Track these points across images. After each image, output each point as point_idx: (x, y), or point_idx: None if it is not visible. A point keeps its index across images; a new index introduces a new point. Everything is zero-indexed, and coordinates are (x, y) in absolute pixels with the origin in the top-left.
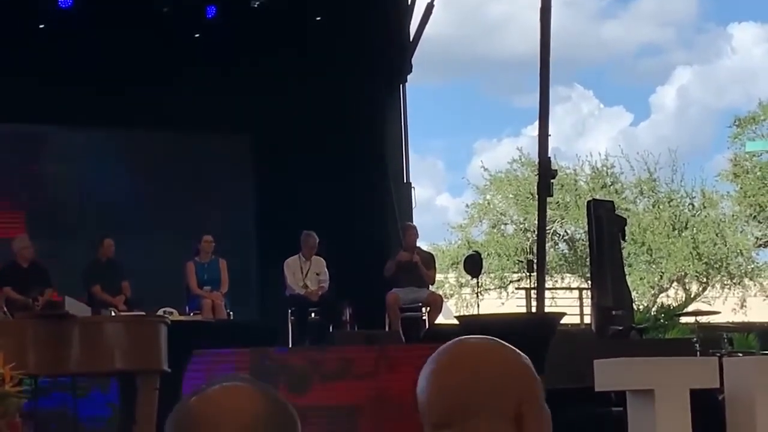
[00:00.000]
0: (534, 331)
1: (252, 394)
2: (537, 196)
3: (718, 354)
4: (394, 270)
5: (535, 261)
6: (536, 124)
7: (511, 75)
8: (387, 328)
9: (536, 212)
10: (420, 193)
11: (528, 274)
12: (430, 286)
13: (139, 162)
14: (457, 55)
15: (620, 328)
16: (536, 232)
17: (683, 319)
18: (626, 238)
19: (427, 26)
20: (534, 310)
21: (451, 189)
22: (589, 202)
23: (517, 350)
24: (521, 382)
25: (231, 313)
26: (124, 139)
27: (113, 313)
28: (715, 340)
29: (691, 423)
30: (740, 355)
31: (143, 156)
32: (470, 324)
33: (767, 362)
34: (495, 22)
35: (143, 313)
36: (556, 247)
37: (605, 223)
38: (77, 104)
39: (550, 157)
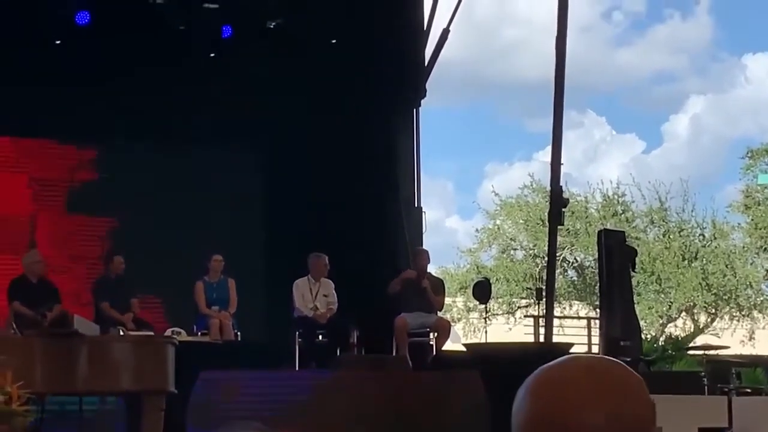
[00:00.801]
0: (543, 360)
1: None
2: (548, 225)
3: (727, 389)
4: (399, 289)
5: (545, 289)
6: (548, 149)
7: (524, 99)
8: (394, 353)
9: (546, 239)
10: (429, 214)
11: (537, 301)
12: (439, 311)
13: (149, 179)
14: (471, 77)
15: (628, 359)
16: (546, 259)
17: (691, 351)
18: (636, 268)
19: (442, 49)
20: (542, 338)
21: (461, 211)
22: (600, 232)
23: (636, 373)
24: (645, 409)
25: (239, 333)
26: (133, 154)
27: (122, 332)
28: (724, 374)
29: None
30: (749, 390)
31: (153, 173)
32: (478, 351)
33: None
34: (509, 45)
35: (151, 333)
36: (565, 274)
37: (616, 254)
38: (88, 119)
39: (561, 186)
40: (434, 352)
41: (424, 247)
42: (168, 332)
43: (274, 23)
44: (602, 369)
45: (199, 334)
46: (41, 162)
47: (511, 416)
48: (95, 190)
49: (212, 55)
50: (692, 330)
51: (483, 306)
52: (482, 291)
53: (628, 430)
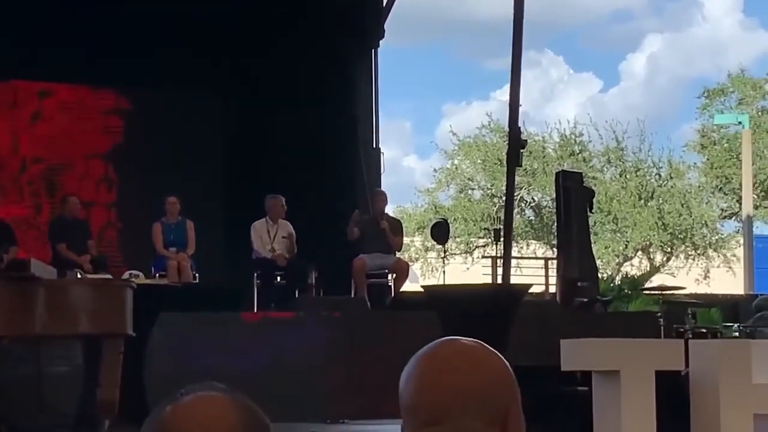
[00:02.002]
0: (500, 302)
1: (227, 405)
2: (506, 166)
3: (683, 329)
4: (358, 234)
5: (502, 230)
6: (505, 88)
7: (482, 38)
8: (353, 294)
9: (504, 178)
10: (387, 154)
11: (495, 242)
12: (397, 252)
13: (107, 119)
14: (428, 16)
15: (585, 299)
16: (504, 199)
17: (647, 291)
18: (593, 209)
19: None
20: (500, 279)
21: (418, 151)
22: (557, 173)
23: (501, 357)
24: (510, 388)
25: (197, 275)
26: (92, 96)
27: (79, 275)
28: (679, 315)
29: (655, 404)
30: (704, 331)
31: (110, 114)
32: (436, 294)
33: (731, 345)
34: None
35: (109, 276)
36: (523, 213)
37: (573, 195)
38: (55, 61)
39: (520, 127)
40: (393, 294)
41: (382, 187)
42: (126, 275)
43: None
44: (474, 352)
45: (157, 275)
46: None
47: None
48: (50, 135)
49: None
50: (648, 269)
51: (441, 246)
52: (440, 232)
53: (503, 407)
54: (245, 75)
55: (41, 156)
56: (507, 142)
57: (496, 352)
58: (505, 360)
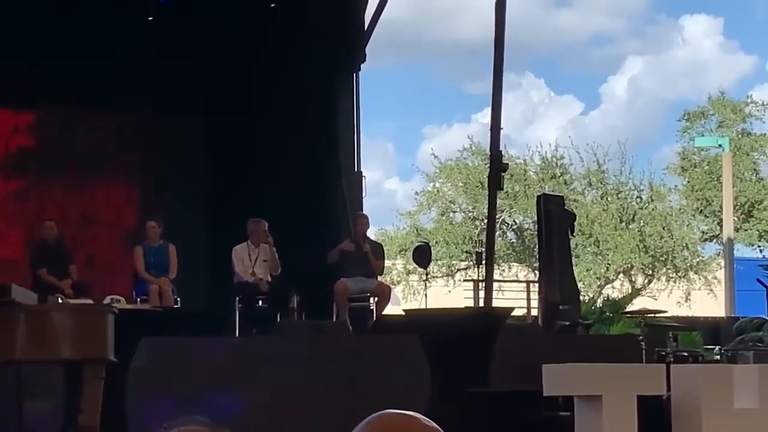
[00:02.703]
0: (481, 326)
1: None
2: (488, 189)
3: (664, 353)
4: (338, 258)
5: (484, 253)
6: (487, 111)
7: (463, 60)
8: (334, 318)
9: (485, 201)
10: (369, 176)
11: (476, 264)
12: (379, 276)
13: (90, 144)
14: (410, 39)
15: (567, 323)
16: (485, 222)
17: (629, 314)
18: (575, 231)
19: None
20: (481, 302)
21: (400, 173)
22: (539, 196)
23: (437, 428)
24: None
25: (178, 299)
26: (75, 119)
27: (60, 300)
28: (661, 338)
29: (637, 428)
30: (686, 354)
31: (94, 138)
32: (417, 317)
33: (713, 370)
34: (449, 7)
35: (91, 301)
36: (504, 236)
37: (555, 218)
38: (26, 84)
39: (501, 151)
40: (374, 317)
41: (364, 210)
42: (107, 300)
43: None
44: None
45: (138, 300)
46: None
47: None
48: (32, 155)
49: (150, 18)
50: (629, 291)
51: (423, 269)
52: (422, 255)
53: None
54: (227, 98)
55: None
56: (488, 165)
57: (432, 424)
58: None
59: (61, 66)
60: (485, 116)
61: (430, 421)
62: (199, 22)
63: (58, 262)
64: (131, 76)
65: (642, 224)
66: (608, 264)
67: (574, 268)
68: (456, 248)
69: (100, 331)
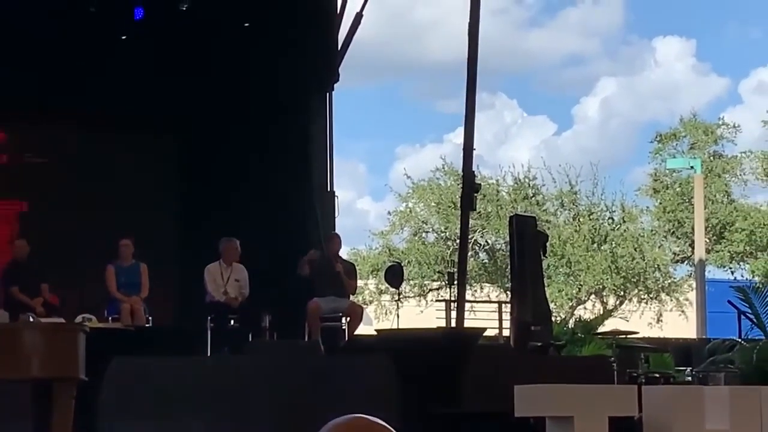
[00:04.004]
0: (453, 346)
1: None
2: (460, 209)
3: (636, 374)
4: (308, 270)
5: (456, 274)
6: (459, 131)
7: (435, 80)
8: (306, 338)
9: (458, 221)
10: (341, 195)
11: (449, 285)
12: (351, 295)
13: (60, 162)
14: (382, 58)
15: (539, 343)
16: (458, 243)
17: (600, 335)
18: (547, 252)
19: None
20: (453, 323)
21: (372, 193)
22: (511, 217)
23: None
24: None
25: (150, 318)
26: (47, 135)
27: (31, 318)
28: (633, 359)
29: None
30: (657, 376)
31: (64, 155)
32: (389, 337)
33: (685, 392)
34: (421, 27)
35: (62, 319)
36: (477, 256)
37: (527, 239)
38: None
39: (474, 171)
40: (346, 337)
41: (336, 228)
42: (79, 318)
43: (185, 5)
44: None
45: (110, 319)
46: None
47: None
48: (3, 173)
49: (123, 37)
50: (601, 312)
51: (395, 289)
52: (394, 276)
53: None
54: (199, 117)
55: None
56: (461, 185)
57: (379, 422)
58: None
59: (31, 81)
60: (458, 136)
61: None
62: (172, 40)
63: (30, 280)
64: (103, 93)
65: (614, 245)
66: (580, 285)
67: (546, 288)
68: (428, 268)
69: (71, 350)
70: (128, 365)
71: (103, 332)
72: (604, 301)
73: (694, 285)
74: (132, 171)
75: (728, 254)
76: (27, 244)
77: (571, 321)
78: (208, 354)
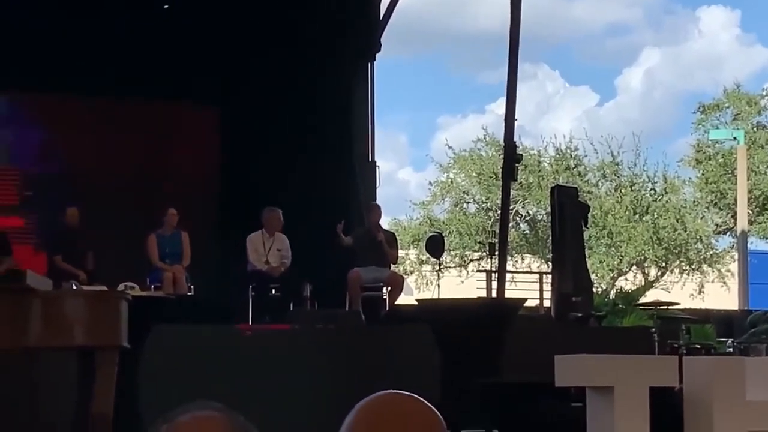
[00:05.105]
0: (493, 317)
1: (223, 424)
2: (501, 180)
3: (677, 345)
4: (349, 242)
5: (497, 244)
6: (501, 101)
7: (477, 50)
8: (347, 307)
9: (499, 192)
10: (382, 166)
11: (489, 255)
12: (392, 265)
13: (104, 131)
14: (424, 28)
15: (580, 314)
16: (499, 213)
17: (641, 306)
18: (588, 224)
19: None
20: (494, 293)
21: (414, 163)
22: (552, 188)
23: (434, 410)
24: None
25: (192, 286)
26: (91, 106)
27: (75, 286)
28: (674, 330)
29: (649, 420)
30: (698, 347)
31: (108, 125)
32: (429, 307)
33: (726, 362)
34: None
35: (105, 287)
36: (518, 227)
37: (568, 210)
38: (40, 68)
39: (515, 142)
40: (387, 307)
41: (377, 199)
42: (121, 287)
43: None
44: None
45: (153, 287)
46: None
47: None
48: (47, 144)
49: (166, 6)
50: (642, 284)
51: (436, 259)
52: (435, 245)
53: None
54: (241, 88)
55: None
56: (502, 155)
57: (429, 406)
58: (438, 414)
59: (75, 54)
60: (500, 107)
61: (426, 402)
62: (215, 10)
63: (76, 249)
64: (146, 63)
65: (656, 216)
66: (621, 256)
67: (587, 259)
68: (469, 239)
69: (113, 318)
70: (170, 333)
71: (145, 300)
72: (646, 272)
73: (736, 256)
74: (176, 141)
75: None
76: (78, 213)
77: (612, 292)
78: (250, 323)
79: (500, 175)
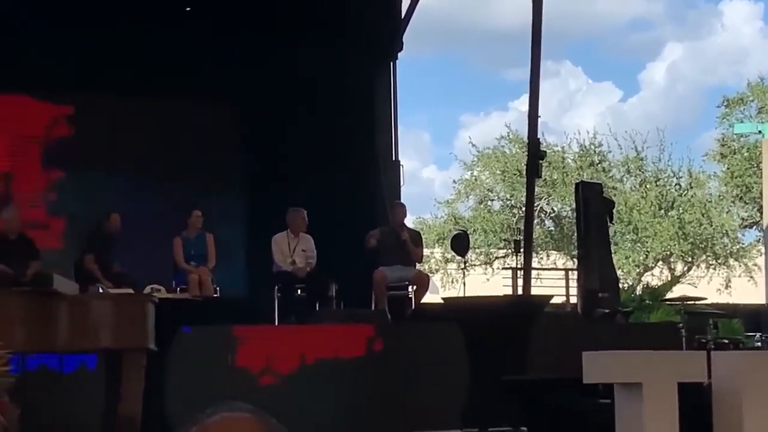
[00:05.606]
0: (520, 314)
1: (252, 425)
2: (525, 177)
3: (705, 340)
4: (375, 243)
5: (522, 241)
6: (524, 98)
7: (500, 48)
8: (373, 307)
9: (523, 189)
10: (406, 165)
11: (515, 252)
12: (417, 264)
13: (128, 133)
14: (446, 26)
15: (606, 310)
16: (523, 210)
17: (668, 302)
18: (613, 219)
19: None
20: (520, 290)
21: (437, 161)
22: (577, 184)
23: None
24: None
25: (218, 288)
26: (114, 106)
27: (101, 289)
28: (701, 325)
29: (678, 416)
30: (726, 341)
31: (132, 127)
32: (456, 306)
33: (755, 357)
34: None
35: (131, 290)
36: (543, 224)
37: (593, 206)
38: (64, 73)
39: (539, 138)
40: (413, 306)
41: (402, 197)
42: (147, 289)
43: None
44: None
45: (178, 289)
46: (17, 118)
47: None
48: (72, 146)
49: (188, 9)
50: (669, 279)
51: (461, 257)
52: (460, 244)
53: None
54: (265, 88)
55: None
56: (526, 152)
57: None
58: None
59: (98, 55)
60: (523, 104)
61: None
62: (237, 10)
63: (108, 252)
64: (169, 64)
65: (681, 211)
66: (647, 251)
67: (612, 255)
68: (494, 236)
69: (140, 321)
70: (197, 335)
71: (171, 302)
72: (672, 267)
73: (762, 250)
74: (198, 142)
75: None
76: (119, 218)
77: (638, 288)
78: (276, 323)
79: (524, 172)
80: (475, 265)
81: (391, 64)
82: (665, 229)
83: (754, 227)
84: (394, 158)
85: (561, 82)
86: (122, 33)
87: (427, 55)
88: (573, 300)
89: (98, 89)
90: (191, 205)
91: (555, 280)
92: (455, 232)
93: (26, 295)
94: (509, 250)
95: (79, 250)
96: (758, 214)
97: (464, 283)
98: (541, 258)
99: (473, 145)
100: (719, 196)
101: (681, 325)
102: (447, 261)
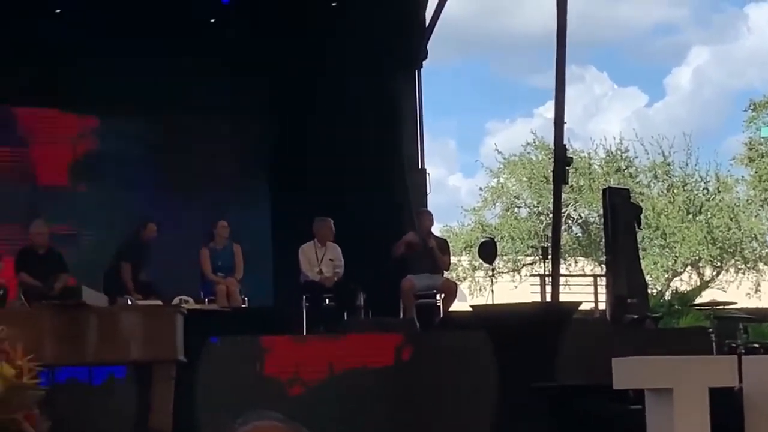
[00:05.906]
0: (549, 321)
1: None
2: (552, 183)
3: (735, 345)
4: (403, 251)
5: (550, 248)
6: (549, 104)
7: (525, 54)
8: (401, 315)
9: (550, 195)
10: (432, 173)
11: (542, 259)
12: (445, 272)
13: (153, 146)
14: (470, 33)
15: (635, 316)
16: (551, 217)
17: (698, 307)
18: (641, 225)
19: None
20: (548, 297)
21: (464, 169)
22: (604, 189)
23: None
24: None
25: (246, 299)
26: (142, 122)
27: (130, 301)
28: (731, 329)
29: (709, 421)
30: (757, 346)
31: (157, 140)
32: (484, 313)
33: None
34: (510, 0)
35: (160, 302)
36: (570, 230)
37: (621, 211)
38: (91, 87)
39: (565, 145)
40: (441, 314)
41: (428, 206)
42: (176, 300)
43: None
44: None
45: (206, 300)
46: (45, 132)
47: None
48: (99, 159)
49: (212, 20)
50: (698, 284)
51: (489, 265)
52: (488, 251)
53: None
54: (291, 97)
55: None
56: (553, 159)
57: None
58: None
59: (124, 69)
60: (548, 110)
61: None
62: (261, 21)
63: (143, 260)
64: (195, 77)
65: (709, 216)
66: (676, 256)
67: (641, 261)
68: (521, 243)
69: (169, 332)
70: (226, 345)
71: (200, 313)
72: (701, 272)
73: None
74: (224, 152)
75: None
76: (156, 228)
77: (667, 293)
78: (304, 333)
79: (551, 179)
80: (502, 272)
81: (416, 72)
82: (693, 234)
83: None
84: (420, 166)
85: (586, 87)
86: (149, 47)
87: (451, 62)
88: (602, 306)
89: (125, 102)
90: (218, 215)
91: (583, 287)
92: (482, 240)
93: (55, 309)
94: (537, 257)
95: (111, 259)
96: None
97: (492, 291)
98: (569, 264)
99: (499, 152)
100: (747, 200)
101: (711, 330)
102: (475, 269)
